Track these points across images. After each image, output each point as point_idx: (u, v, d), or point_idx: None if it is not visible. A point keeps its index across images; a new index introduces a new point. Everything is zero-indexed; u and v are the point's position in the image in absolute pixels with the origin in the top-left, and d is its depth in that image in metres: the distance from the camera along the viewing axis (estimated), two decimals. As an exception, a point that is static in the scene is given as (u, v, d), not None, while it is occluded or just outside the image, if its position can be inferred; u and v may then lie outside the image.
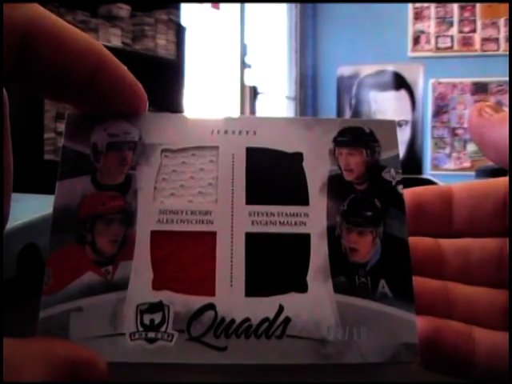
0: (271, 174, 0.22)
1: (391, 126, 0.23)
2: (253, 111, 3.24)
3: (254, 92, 3.29)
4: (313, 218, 0.21)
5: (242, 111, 3.19)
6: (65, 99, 0.21)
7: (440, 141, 3.76)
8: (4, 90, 0.20)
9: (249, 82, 3.26)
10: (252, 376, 0.33)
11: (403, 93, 3.78)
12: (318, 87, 3.98)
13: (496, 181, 0.24)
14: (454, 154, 3.75)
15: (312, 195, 0.22)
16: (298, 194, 0.22)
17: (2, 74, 0.17)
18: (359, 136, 0.22)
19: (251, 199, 0.21)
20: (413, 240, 0.21)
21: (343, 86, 3.89)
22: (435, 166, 3.72)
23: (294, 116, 3.79)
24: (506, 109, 0.22)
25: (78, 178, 0.21)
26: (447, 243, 0.24)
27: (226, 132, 0.22)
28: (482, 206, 0.23)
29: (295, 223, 0.21)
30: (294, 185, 0.22)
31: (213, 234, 0.21)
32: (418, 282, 0.21)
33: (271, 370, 0.34)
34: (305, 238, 0.21)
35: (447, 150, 3.76)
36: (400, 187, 0.22)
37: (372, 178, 0.22)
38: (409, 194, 0.23)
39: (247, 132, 0.22)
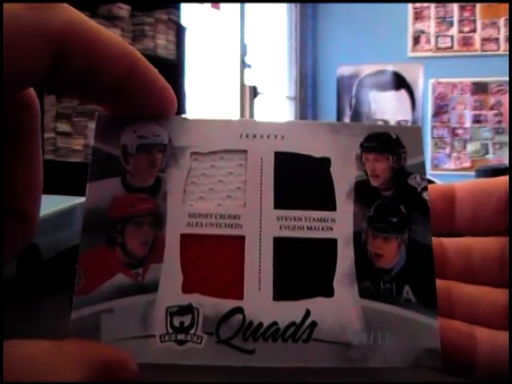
0: (299, 179, 0.22)
1: (417, 133, 0.23)
2: (253, 111, 3.24)
3: (254, 92, 3.29)
4: (339, 224, 0.22)
5: (242, 111, 3.19)
6: (98, 101, 0.21)
7: (440, 141, 3.76)
8: (34, 94, 0.21)
9: (249, 82, 3.26)
10: (252, 376, 0.32)
11: (403, 93, 3.78)
12: (318, 87, 3.98)
13: (498, 180, 0.24)
14: (454, 154, 3.75)
15: (339, 201, 0.22)
16: (325, 199, 0.22)
17: (2, 76, 0.17)
18: (386, 142, 0.23)
19: (279, 204, 0.22)
20: None
21: (343, 85, 3.89)
22: (435, 166, 3.72)
23: (297, 117, 3.79)
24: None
25: (108, 180, 0.21)
26: (449, 242, 0.24)
27: (254, 136, 0.22)
28: (485, 204, 0.23)
29: (322, 228, 0.21)
30: (322, 190, 0.22)
31: (241, 238, 0.21)
32: None
33: (271, 370, 0.34)
34: (332, 243, 0.21)
35: (447, 150, 3.76)
36: (425, 194, 0.22)
37: (398, 184, 0.22)
38: None
39: (275, 136, 0.22)
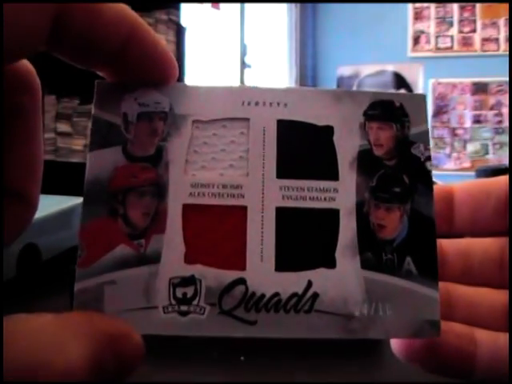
0: (302, 148, 0.22)
1: (421, 101, 0.23)
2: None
3: (254, 92, 3.28)
4: (342, 194, 0.21)
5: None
6: (98, 66, 0.21)
7: (440, 141, 3.76)
8: (35, 73, 0.20)
9: (249, 82, 3.26)
10: (252, 375, 0.32)
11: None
12: (318, 87, 3.98)
13: (498, 180, 0.24)
14: (454, 154, 3.75)
15: (342, 170, 0.22)
16: (328, 169, 0.22)
17: (2, 68, 0.17)
18: (390, 110, 0.22)
19: (282, 173, 0.21)
20: None
21: (343, 86, 3.89)
22: (435, 166, 3.72)
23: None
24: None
25: (109, 149, 0.21)
26: (448, 244, 0.24)
27: (256, 103, 0.22)
28: (484, 205, 0.23)
29: (325, 199, 0.21)
30: (324, 159, 0.22)
31: (244, 209, 0.21)
32: None
33: (271, 367, 0.34)
34: (334, 214, 0.21)
35: (447, 150, 3.76)
36: (429, 164, 0.22)
37: (401, 154, 0.22)
38: None
39: (278, 104, 0.22)
